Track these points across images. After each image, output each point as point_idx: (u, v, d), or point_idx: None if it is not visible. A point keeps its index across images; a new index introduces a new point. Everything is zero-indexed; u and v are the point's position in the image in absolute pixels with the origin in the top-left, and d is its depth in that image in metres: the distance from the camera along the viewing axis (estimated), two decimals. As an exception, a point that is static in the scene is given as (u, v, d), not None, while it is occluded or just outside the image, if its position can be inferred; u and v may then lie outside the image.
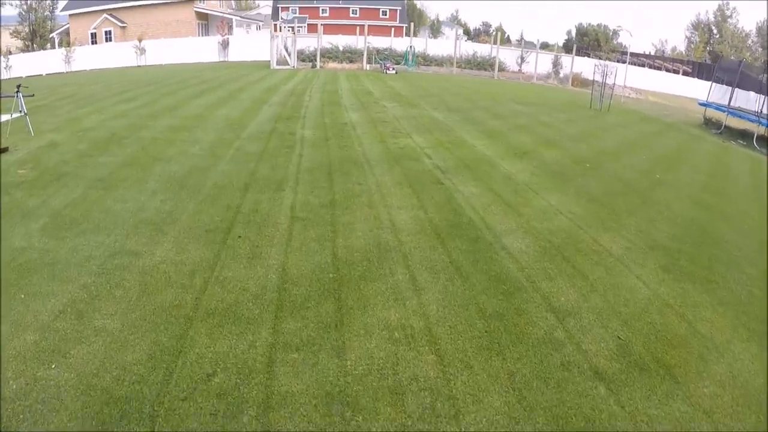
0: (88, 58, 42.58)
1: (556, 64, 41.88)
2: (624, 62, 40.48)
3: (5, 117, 12.89)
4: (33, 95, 14.57)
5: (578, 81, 39.36)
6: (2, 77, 36.19)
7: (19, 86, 12.69)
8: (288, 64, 36.96)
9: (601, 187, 10.09)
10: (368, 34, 38.80)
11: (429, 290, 5.56)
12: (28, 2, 57.15)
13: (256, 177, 9.15)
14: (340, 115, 15.95)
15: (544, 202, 8.74)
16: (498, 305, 5.35)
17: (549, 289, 5.76)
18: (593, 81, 26.65)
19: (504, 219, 7.75)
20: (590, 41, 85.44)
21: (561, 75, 41.25)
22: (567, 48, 69.09)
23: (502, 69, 40.80)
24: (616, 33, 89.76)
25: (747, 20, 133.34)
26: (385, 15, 70.41)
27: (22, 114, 12.71)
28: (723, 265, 7.02)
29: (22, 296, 5.15)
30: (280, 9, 67.88)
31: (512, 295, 5.59)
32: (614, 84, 25.51)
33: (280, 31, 40.83)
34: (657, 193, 10.32)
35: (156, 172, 9.27)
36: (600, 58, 43.02)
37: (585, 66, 41.39)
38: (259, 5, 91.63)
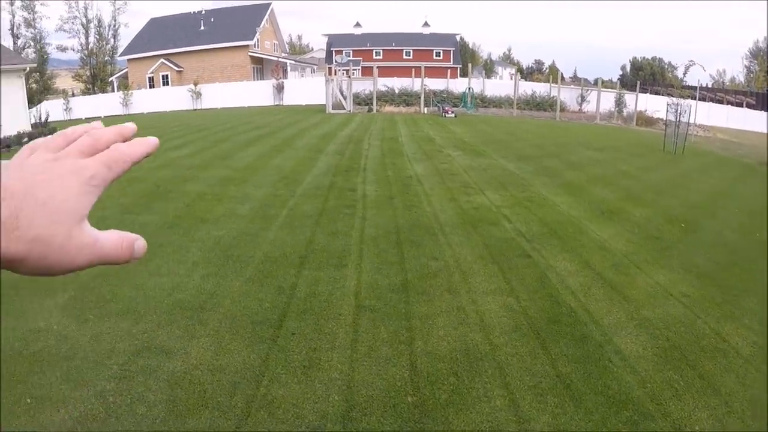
0: (145, 101, 43.19)
1: (619, 103, 39.98)
2: (694, 98, 38.26)
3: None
4: None
5: (643, 119, 37.51)
6: (62, 118, 36.61)
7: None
8: (344, 108, 36.20)
9: (706, 256, 8.63)
10: (424, 76, 37.84)
11: (536, 422, 4.22)
12: (89, 47, 59.05)
13: (313, 247, 7.88)
14: (404, 167, 14.69)
15: (650, 280, 7.27)
16: (624, 443, 4.03)
17: (679, 414, 4.41)
18: (666, 121, 24.93)
19: (610, 307, 6.31)
20: (646, 75, 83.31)
21: (624, 114, 39.36)
22: (623, 83, 66.93)
23: (562, 109, 39.26)
24: (673, 66, 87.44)
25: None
26: (439, 56, 70.15)
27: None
28: None
29: (29, 400, 4.21)
30: (333, 52, 68.35)
31: (638, 425, 4.26)
32: (688, 124, 23.70)
33: (335, 74, 40.30)
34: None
35: (199, 238, 8.17)
36: (672, 96, 40.88)
37: (648, 103, 39.59)
38: (312, 49, 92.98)
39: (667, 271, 7.73)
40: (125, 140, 0.59)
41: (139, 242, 0.57)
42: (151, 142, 0.60)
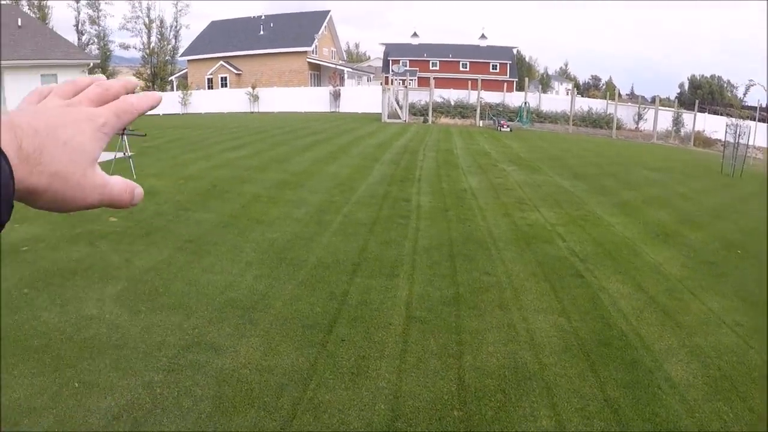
0: (203, 101, 43.96)
1: (677, 122, 38.98)
2: (754, 119, 36.78)
3: (108, 157, 12.51)
4: (145, 135, 14.24)
5: (701, 140, 36.54)
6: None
7: (124, 129, 12.22)
8: (399, 118, 36.30)
9: (761, 285, 8.28)
10: (480, 89, 37.65)
11: (582, 445, 4.12)
12: (151, 46, 60.74)
13: (366, 255, 7.90)
14: (458, 180, 14.64)
15: (703, 307, 7.05)
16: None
17: (726, 446, 4.23)
18: (724, 142, 24.16)
19: (662, 333, 6.14)
20: (704, 94, 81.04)
21: (682, 134, 38.39)
22: (681, 102, 65.16)
23: (618, 127, 38.53)
24: (732, 85, 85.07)
25: None
26: (495, 69, 69.82)
27: (126, 156, 12.31)
28: None
29: (77, 385, 4.30)
30: (390, 62, 68.55)
31: (684, 456, 4.10)
32: (747, 145, 22.88)
33: (391, 84, 40.41)
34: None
35: (254, 239, 8.28)
36: (731, 116, 39.57)
37: (707, 123, 38.53)
38: (369, 58, 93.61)
39: (721, 298, 7.51)
40: (129, 93, 0.64)
41: (138, 190, 0.63)
42: (155, 96, 0.65)
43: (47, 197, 0.53)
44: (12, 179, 0.49)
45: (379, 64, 74.62)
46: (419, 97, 39.55)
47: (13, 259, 7.03)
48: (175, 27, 63.61)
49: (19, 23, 23.09)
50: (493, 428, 4.21)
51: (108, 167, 11.93)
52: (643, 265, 8.54)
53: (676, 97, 72.22)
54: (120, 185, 0.60)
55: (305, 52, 53.21)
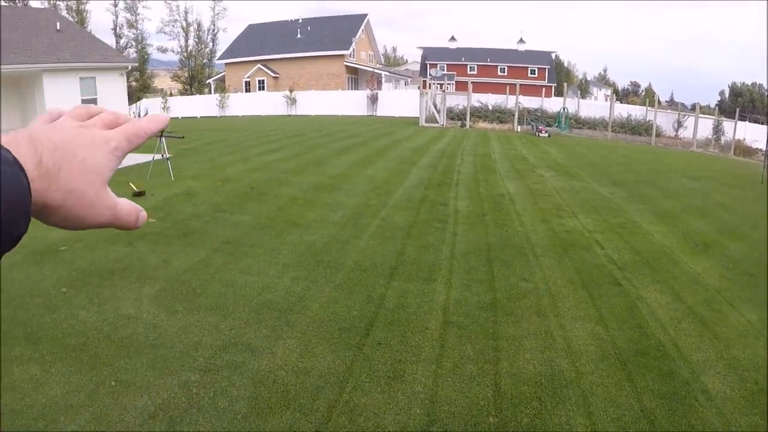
0: (240, 104, 44.48)
1: (717, 130, 38.13)
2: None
3: (146, 158, 12.70)
4: (183, 137, 14.41)
5: (741, 149, 35.74)
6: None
7: (162, 131, 12.43)
8: (437, 122, 36.25)
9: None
10: (519, 94, 37.38)
11: (617, 456, 4.05)
12: (188, 50, 61.70)
13: (404, 259, 7.90)
14: (496, 184, 14.57)
15: (741, 318, 6.88)
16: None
17: (762, 461, 4.13)
18: (765, 152, 23.57)
19: (699, 343, 6.01)
20: (745, 102, 79.24)
21: (722, 142, 37.59)
22: (721, 109, 63.52)
23: (658, 134, 37.87)
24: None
25: None
26: (534, 74, 69.17)
27: (164, 158, 12.48)
28: None
29: (113, 383, 4.37)
30: (428, 66, 68.36)
31: (719, 469, 4.00)
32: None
33: (429, 87, 40.36)
34: None
35: (290, 241, 8.33)
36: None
37: (747, 132, 37.68)
38: (407, 61, 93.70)
39: (760, 310, 7.31)
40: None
41: (143, 213, 0.65)
42: (163, 119, 0.68)
43: (61, 213, 0.55)
44: (29, 193, 0.49)
45: (417, 67, 74.54)
46: (457, 101, 39.41)
47: (52, 259, 7.18)
48: (213, 30, 64.69)
49: (58, 27, 23.50)
50: (528, 436, 4.17)
51: (146, 169, 12.14)
52: (681, 274, 8.39)
53: (717, 105, 70.83)
54: (127, 207, 0.62)
55: (343, 55, 53.44)
